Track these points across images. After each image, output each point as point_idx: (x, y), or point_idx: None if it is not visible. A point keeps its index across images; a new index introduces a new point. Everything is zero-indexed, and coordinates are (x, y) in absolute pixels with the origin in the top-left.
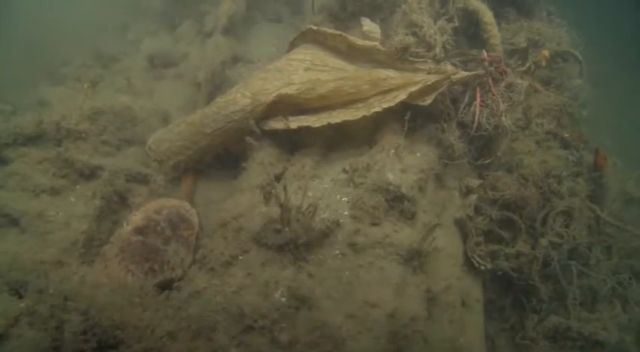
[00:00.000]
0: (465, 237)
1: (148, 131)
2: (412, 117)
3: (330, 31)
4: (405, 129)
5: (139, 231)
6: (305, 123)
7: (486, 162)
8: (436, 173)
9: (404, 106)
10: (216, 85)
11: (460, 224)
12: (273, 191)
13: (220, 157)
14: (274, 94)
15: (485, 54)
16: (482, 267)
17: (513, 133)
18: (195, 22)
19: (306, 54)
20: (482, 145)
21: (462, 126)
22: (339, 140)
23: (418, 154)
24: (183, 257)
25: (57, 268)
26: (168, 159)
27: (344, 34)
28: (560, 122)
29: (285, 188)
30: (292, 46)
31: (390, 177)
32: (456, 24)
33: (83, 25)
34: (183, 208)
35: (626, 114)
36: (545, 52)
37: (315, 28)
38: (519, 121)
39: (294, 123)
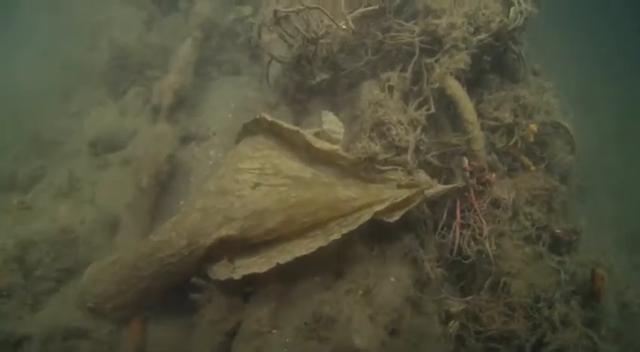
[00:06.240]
0: None
1: (92, 252)
2: (384, 228)
3: (286, 125)
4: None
5: None
6: (251, 270)
7: (468, 298)
8: (412, 301)
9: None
10: (164, 184)
11: None
12: None
13: (171, 291)
14: (214, 236)
15: (465, 163)
16: None
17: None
18: (143, 89)
19: (255, 159)
20: (465, 269)
21: (441, 246)
22: (299, 271)
23: (392, 279)
24: None
25: None
26: (105, 302)
27: (301, 132)
28: (550, 207)
29: None
30: (245, 130)
31: (357, 340)
32: (432, 110)
33: (19, 96)
34: None
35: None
36: (533, 127)
37: (269, 119)
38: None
39: (240, 270)
